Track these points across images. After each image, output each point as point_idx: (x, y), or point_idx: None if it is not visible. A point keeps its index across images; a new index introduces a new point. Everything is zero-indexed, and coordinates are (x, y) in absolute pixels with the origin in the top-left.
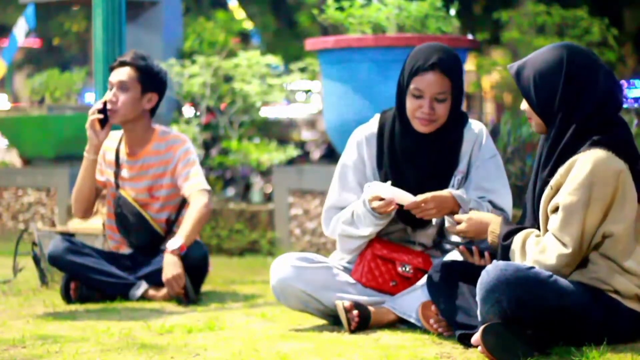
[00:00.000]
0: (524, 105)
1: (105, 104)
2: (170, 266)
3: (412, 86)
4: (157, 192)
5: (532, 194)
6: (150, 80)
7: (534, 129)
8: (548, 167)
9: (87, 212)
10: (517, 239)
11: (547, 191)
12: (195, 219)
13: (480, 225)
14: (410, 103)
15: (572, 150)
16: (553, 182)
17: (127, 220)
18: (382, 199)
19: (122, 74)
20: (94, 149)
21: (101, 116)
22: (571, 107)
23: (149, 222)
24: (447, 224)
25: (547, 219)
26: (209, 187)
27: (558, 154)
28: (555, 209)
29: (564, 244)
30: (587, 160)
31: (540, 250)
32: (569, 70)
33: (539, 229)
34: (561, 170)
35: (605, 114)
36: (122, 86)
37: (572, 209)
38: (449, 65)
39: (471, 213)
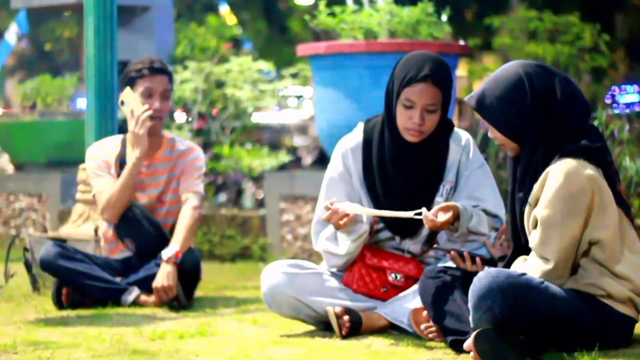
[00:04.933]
0: (493, 133)
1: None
2: (164, 276)
3: (403, 96)
4: (164, 197)
5: (513, 216)
6: (173, 88)
7: (510, 153)
8: (524, 186)
9: (120, 216)
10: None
11: (527, 208)
12: (188, 224)
13: None
14: (400, 113)
15: (544, 164)
16: (531, 198)
17: (137, 224)
18: (328, 209)
19: (164, 82)
20: (145, 156)
21: (154, 122)
22: (541, 121)
23: (160, 225)
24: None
25: None
26: (203, 192)
27: (533, 171)
28: (535, 224)
29: (545, 260)
30: (558, 172)
31: (527, 270)
32: (532, 88)
33: (525, 250)
34: (536, 185)
35: (572, 122)
36: (166, 94)
37: (549, 223)
38: (441, 77)
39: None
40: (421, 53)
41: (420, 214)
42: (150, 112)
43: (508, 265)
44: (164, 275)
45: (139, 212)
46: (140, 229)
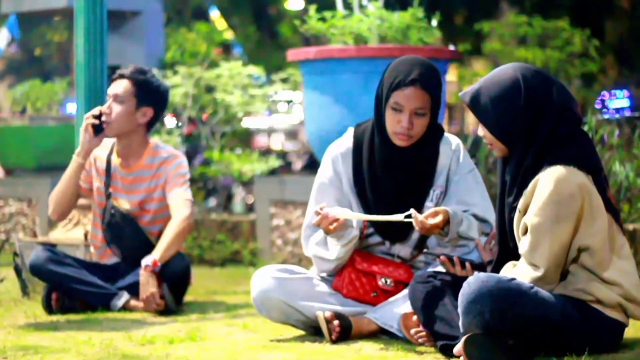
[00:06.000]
0: (483, 131)
1: (101, 112)
2: (145, 285)
3: (391, 100)
4: (148, 205)
5: (501, 222)
6: (146, 94)
7: (496, 154)
8: (513, 192)
9: (63, 215)
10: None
11: (516, 215)
12: (174, 233)
13: None
14: (389, 117)
15: (534, 170)
16: (520, 205)
17: (120, 230)
18: (319, 214)
19: (119, 86)
20: (84, 153)
21: (96, 121)
22: (532, 127)
23: (144, 232)
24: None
25: None
26: (192, 199)
27: (522, 176)
28: (525, 231)
29: (535, 267)
30: (549, 179)
31: (517, 276)
32: (527, 91)
33: (511, 254)
34: (526, 191)
35: (564, 130)
36: (117, 99)
37: (539, 230)
38: (429, 81)
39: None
40: (410, 57)
41: (410, 216)
42: (93, 112)
43: (496, 269)
44: (145, 285)
45: (121, 219)
46: (123, 235)
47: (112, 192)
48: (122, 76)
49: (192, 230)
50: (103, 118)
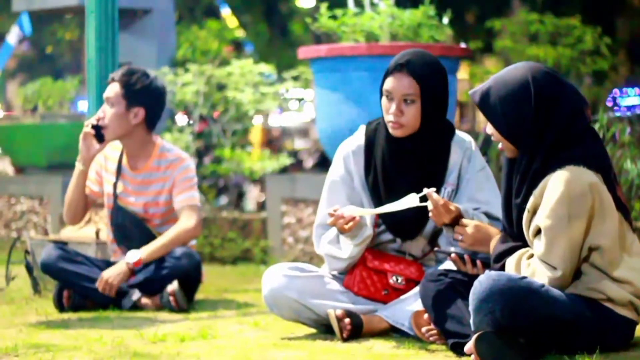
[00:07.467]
0: (491, 129)
1: (98, 119)
2: (115, 274)
3: (383, 87)
4: (152, 209)
5: (509, 221)
6: (135, 95)
7: (507, 154)
8: (522, 192)
9: (75, 219)
10: (511, 263)
11: (525, 215)
12: (170, 238)
13: (479, 235)
14: (383, 106)
15: (543, 171)
16: (529, 205)
17: (128, 231)
18: (332, 215)
19: (110, 90)
20: (83, 160)
21: (93, 132)
22: (541, 129)
23: (152, 232)
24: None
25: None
26: (199, 203)
27: (531, 177)
28: (536, 232)
29: (553, 267)
30: (559, 179)
31: (530, 275)
32: (536, 92)
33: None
34: (535, 192)
35: (573, 132)
36: (109, 102)
37: (553, 231)
38: (418, 68)
39: (478, 222)
40: (410, 49)
41: (424, 199)
42: (91, 121)
43: (512, 251)
44: (115, 273)
45: (128, 220)
46: (131, 236)
47: (121, 192)
48: (113, 79)
49: (194, 238)
50: (100, 123)
